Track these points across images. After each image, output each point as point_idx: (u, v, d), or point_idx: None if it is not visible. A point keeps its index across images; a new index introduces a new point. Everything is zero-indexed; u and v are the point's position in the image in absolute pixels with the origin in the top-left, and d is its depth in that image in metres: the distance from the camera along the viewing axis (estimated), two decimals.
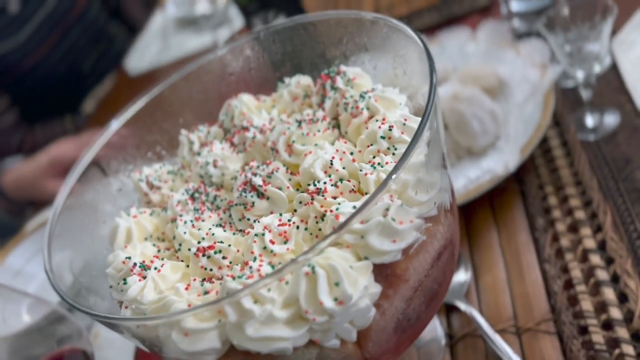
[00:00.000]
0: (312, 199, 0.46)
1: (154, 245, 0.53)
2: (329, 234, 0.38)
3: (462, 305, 0.67)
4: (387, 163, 0.46)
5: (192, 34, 1.74)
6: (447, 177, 0.48)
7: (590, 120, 0.82)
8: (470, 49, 0.99)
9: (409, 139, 0.47)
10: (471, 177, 0.78)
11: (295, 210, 0.48)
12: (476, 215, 0.79)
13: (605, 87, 0.87)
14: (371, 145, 0.49)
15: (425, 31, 1.16)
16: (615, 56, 0.89)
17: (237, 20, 1.55)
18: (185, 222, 0.51)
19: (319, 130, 0.53)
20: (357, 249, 0.42)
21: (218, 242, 0.47)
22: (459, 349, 0.66)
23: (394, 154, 0.47)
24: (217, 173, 0.56)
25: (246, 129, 0.57)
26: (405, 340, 0.47)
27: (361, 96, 0.53)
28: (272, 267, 0.43)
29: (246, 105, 0.60)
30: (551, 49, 0.86)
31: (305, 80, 0.60)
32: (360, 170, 0.46)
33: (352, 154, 0.50)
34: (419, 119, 0.49)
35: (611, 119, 0.81)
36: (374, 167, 0.46)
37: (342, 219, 0.43)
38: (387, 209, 0.42)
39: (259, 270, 0.42)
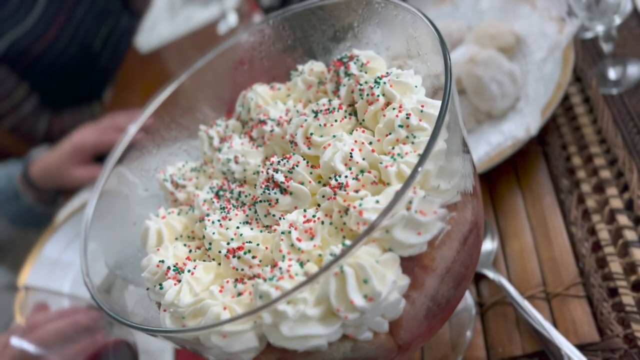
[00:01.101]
0: (335, 194, 0.47)
1: (184, 245, 0.54)
2: (358, 239, 0.38)
3: (490, 274, 0.68)
4: (406, 153, 0.46)
5: (199, 6, 1.72)
6: (468, 161, 0.48)
7: (612, 73, 0.80)
8: (484, 5, 0.96)
9: (427, 126, 0.47)
10: (493, 143, 0.77)
11: (319, 205, 0.49)
12: (500, 180, 0.78)
13: (627, 36, 0.84)
14: (389, 134, 0.49)
15: None
16: (636, 1, 0.86)
17: None
18: (213, 222, 0.52)
19: (336, 120, 0.53)
20: (382, 242, 0.43)
21: (247, 242, 0.48)
22: (489, 316, 0.67)
23: (413, 142, 0.47)
24: (239, 169, 0.56)
25: (264, 122, 0.57)
26: (437, 323, 0.49)
27: (376, 82, 0.52)
28: (301, 265, 0.44)
29: (261, 97, 0.60)
30: (568, 2, 0.83)
31: (318, 66, 0.59)
32: (381, 163, 0.46)
33: (370, 143, 0.50)
34: (437, 102, 0.48)
35: (635, 70, 0.79)
36: (394, 159, 0.46)
37: (365, 215, 0.43)
38: (410, 202, 0.42)
39: (288, 270, 0.43)
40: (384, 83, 0.51)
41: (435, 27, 0.46)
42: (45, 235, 1.26)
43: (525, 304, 0.63)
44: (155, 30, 1.84)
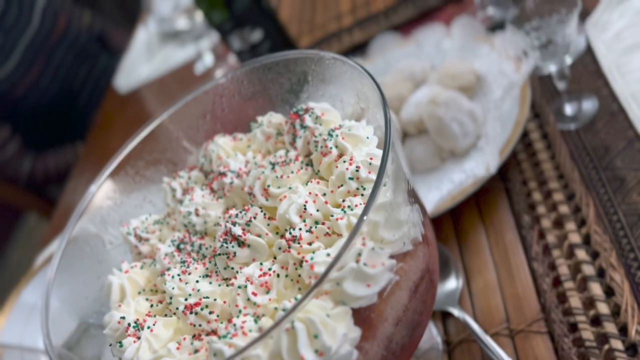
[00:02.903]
0: (289, 246, 0.48)
1: (147, 299, 0.55)
2: (306, 293, 0.40)
3: (455, 312, 0.69)
4: (356, 206, 0.47)
5: (176, 47, 1.75)
6: (417, 211, 0.49)
7: (569, 109, 0.83)
8: (446, 46, 0.99)
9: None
10: (455, 182, 0.79)
11: (275, 257, 0.50)
12: (464, 217, 0.80)
13: (582, 72, 0.87)
14: (341, 186, 0.50)
15: (402, 28, 1.16)
16: (590, 38, 0.89)
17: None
18: (172, 277, 0.53)
19: (292, 172, 0.55)
20: (334, 295, 0.44)
21: (204, 297, 0.49)
22: (456, 354, 0.68)
23: (362, 194, 0.48)
24: (199, 221, 0.57)
25: (223, 174, 0.59)
26: None
27: (329, 134, 0.54)
28: (256, 320, 0.45)
29: (222, 149, 0.62)
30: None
31: (276, 118, 0.61)
32: (332, 216, 0.48)
33: (325, 195, 0.51)
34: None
35: (589, 105, 0.82)
36: (344, 211, 0.47)
37: (316, 269, 0.44)
38: (360, 254, 0.44)
39: (242, 327, 0.44)
40: (337, 136, 0.53)
41: (377, 84, 0.48)
42: (23, 280, 1.26)
43: (490, 342, 0.64)
44: (133, 71, 1.87)
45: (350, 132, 0.53)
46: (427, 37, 1.02)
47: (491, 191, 0.80)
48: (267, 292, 0.47)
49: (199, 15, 1.56)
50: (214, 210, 0.58)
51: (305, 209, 0.50)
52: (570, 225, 0.71)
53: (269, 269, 0.48)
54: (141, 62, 1.87)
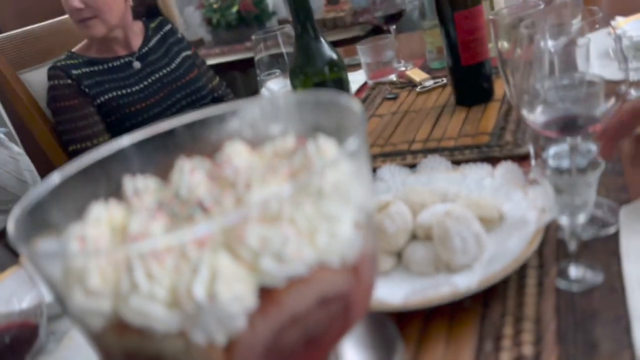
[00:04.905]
0: None
1: (112, 233, 0.61)
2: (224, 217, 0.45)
3: None
4: None
5: None
6: (359, 242, 0.53)
7: (573, 272, 0.83)
8: (487, 183, 1.04)
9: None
10: (434, 286, 0.80)
11: None
12: (433, 324, 0.80)
13: (601, 247, 0.88)
14: None
15: (459, 162, 1.23)
16: (620, 223, 0.91)
17: None
18: (139, 220, 0.59)
19: (277, 177, 0.61)
20: (250, 266, 0.48)
21: (152, 237, 0.54)
22: None
23: None
24: (186, 192, 0.64)
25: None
26: None
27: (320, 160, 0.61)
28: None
29: (236, 150, 0.70)
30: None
31: (290, 142, 0.69)
32: None
33: None
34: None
35: (593, 276, 0.82)
36: None
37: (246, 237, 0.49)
38: (286, 242, 0.48)
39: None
40: (325, 162, 0.60)
41: (363, 119, 0.55)
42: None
43: None
44: None
45: (337, 164, 0.59)
46: (472, 172, 1.08)
47: (469, 311, 0.80)
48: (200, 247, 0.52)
49: None
50: (203, 188, 0.65)
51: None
52: None
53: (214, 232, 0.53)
54: None
